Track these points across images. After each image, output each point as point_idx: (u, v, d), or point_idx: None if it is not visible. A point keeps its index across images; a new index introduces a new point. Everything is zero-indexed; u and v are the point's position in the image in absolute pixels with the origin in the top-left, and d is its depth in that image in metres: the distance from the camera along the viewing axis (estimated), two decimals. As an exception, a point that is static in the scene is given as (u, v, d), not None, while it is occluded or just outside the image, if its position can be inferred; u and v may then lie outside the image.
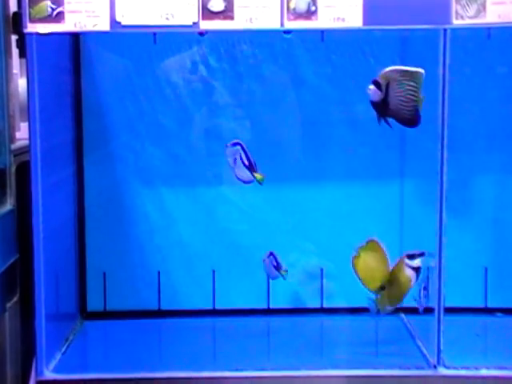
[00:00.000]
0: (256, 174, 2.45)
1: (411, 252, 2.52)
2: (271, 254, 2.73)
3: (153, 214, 3.05)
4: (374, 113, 2.96)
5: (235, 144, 2.53)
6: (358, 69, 2.97)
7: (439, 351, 2.49)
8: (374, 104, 2.44)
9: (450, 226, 2.46)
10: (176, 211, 3.05)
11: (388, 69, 2.43)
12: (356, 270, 2.56)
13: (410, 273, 2.52)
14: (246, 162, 2.50)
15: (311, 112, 3.01)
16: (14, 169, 2.48)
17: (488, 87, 2.95)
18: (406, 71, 2.41)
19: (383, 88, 2.39)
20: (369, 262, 2.56)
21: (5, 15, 2.43)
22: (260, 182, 2.49)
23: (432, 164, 2.46)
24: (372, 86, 2.41)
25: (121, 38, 2.90)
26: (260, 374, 2.48)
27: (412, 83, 2.40)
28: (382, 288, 2.51)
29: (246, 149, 2.52)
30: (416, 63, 2.85)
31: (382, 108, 2.44)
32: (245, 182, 2.55)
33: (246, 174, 2.52)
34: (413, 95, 2.40)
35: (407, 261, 2.51)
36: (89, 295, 3.05)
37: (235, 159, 2.51)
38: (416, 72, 2.41)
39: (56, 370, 2.51)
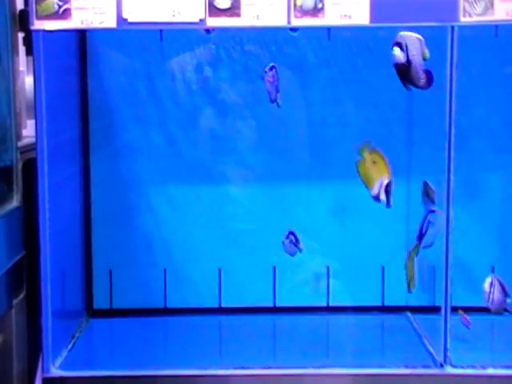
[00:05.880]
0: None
1: None
2: (290, 233, 2.75)
3: (159, 212, 3.05)
4: (379, 111, 2.98)
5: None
6: (364, 67, 2.96)
7: (446, 350, 2.48)
8: (399, 66, 2.41)
9: (456, 224, 2.45)
10: (182, 209, 3.05)
11: (402, 33, 2.40)
12: (360, 173, 2.60)
13: None
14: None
15: (317, 111, 3.01)
16: (20, 166, 2.49)
17: (495, 85, 2.94)
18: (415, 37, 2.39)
19: (404, 49, 2.37)
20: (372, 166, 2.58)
21: (12, 13, 2.44)
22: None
23: (439, 162, 2.45)
24: (397, 48, 2.39)
25: (127, 35, 2.90)
26: (266, 372, 2.48)
27: (418, 46, 2.38)
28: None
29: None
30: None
31: (406, 70, 2.42)
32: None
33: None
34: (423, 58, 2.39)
35: None
36: (95, 293, 3.06)
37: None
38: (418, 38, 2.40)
39: (62, 366, 2.52)
